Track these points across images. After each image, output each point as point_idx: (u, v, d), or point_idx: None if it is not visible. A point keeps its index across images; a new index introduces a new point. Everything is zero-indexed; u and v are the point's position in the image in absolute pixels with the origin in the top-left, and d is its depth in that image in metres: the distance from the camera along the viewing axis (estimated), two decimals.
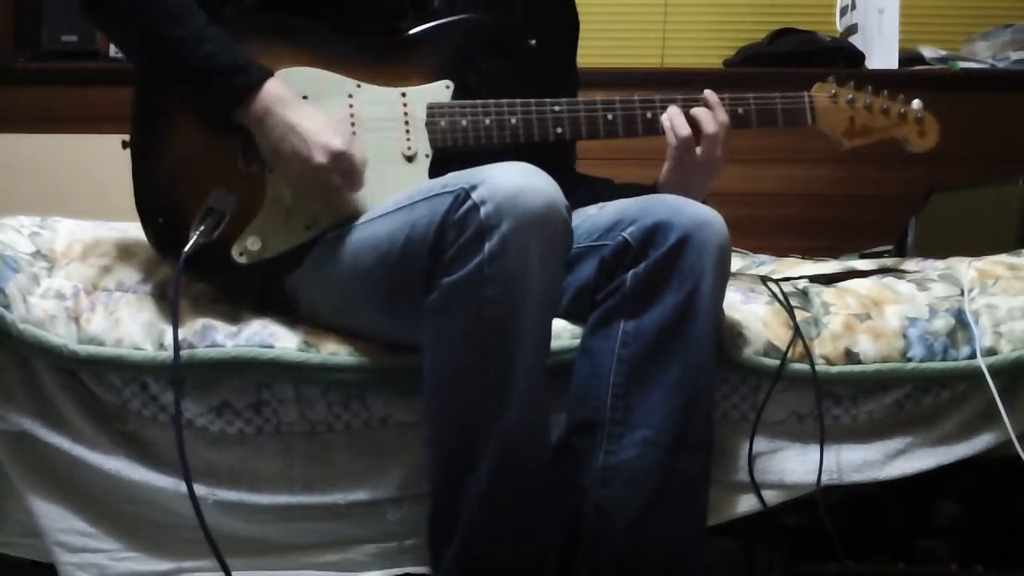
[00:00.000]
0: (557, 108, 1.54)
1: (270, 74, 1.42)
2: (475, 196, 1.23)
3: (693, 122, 1.53)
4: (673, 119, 1.53)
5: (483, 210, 1.22)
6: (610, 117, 1.55)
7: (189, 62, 1.40)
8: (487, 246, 1.21)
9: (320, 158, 1.40)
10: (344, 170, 1.42)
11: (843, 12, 3.20)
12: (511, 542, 1.27)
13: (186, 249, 1.38)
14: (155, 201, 1.46)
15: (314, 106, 1.45)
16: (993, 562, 1.66)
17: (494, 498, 1.25)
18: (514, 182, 1.23)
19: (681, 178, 1.54)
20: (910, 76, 2.94)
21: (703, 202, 1.54)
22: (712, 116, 1.53)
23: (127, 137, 1.47)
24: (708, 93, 1.55)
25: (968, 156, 2.76)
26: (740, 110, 1.57)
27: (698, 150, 1.52)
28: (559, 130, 1.54)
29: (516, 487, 1.26)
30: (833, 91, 1.61)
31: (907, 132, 1.63)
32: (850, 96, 1.61)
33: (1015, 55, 3.00)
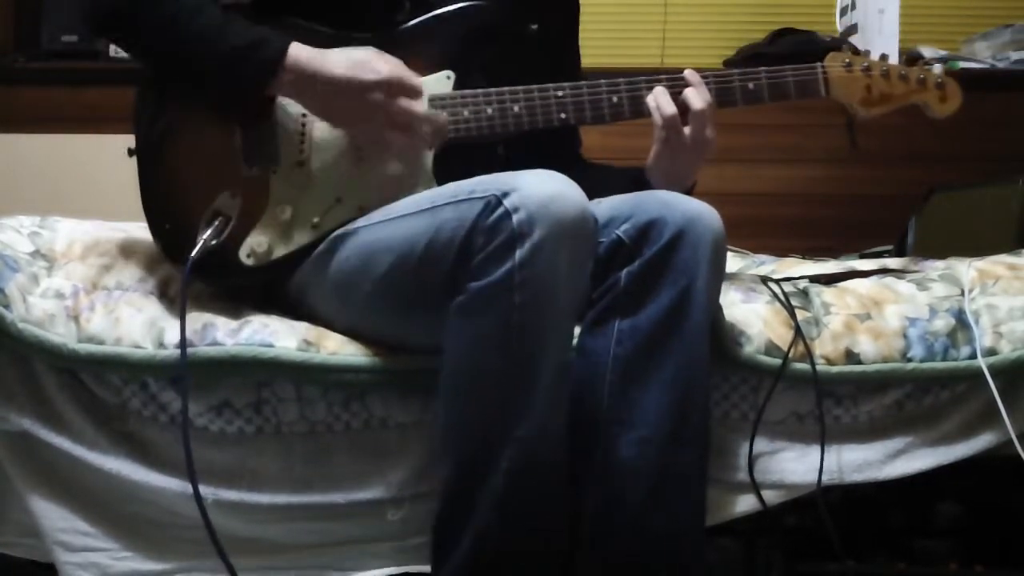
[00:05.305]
0: (560, 93, 1.52)
1: (289, 40, 1.42)
2: (507, 203, 1.23)
3: (679, 101, 1.50)
4: (659, 98, 1.50)
5: (515, 217, 1.22)
6: (615, 99, 1.52)
7: (214, 49, 1.40)
8: (518, 253, 1.21)
9: (374, 89, 1.41)
10: (400, 89, 1.42)
11: (843, 12, 3.19)
12: (522, 546, 1.27)
13: (193, 254, 1.38)
14: (162, 208, 1.47)
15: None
16: (993, 562, 1.66)
17: (509, 503, 1.24)
18: (547, 191, 1.23)
19: (669, 161, 1.51)
20: None
21: (692, 185, 1.54)
22: (697, 93, 1.50)
23: (132, 145, 1.48)
24: (689, 73, 1.52)
25: (968, 156, 2.77)
26: (751, 85, 1.54)
27: (686, 130, 1.49)
28: (563, 115, 1.52)
29: (532, 491, 1.26)
30: (847, 60, 1.57)
31: (928, 97, 1.58)
32: (865, 64, 1.57)
33: (1015, 55, 3.00)
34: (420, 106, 1.45)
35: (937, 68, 1.59)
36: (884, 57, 1.58)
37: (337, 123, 1.47)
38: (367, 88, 1.42)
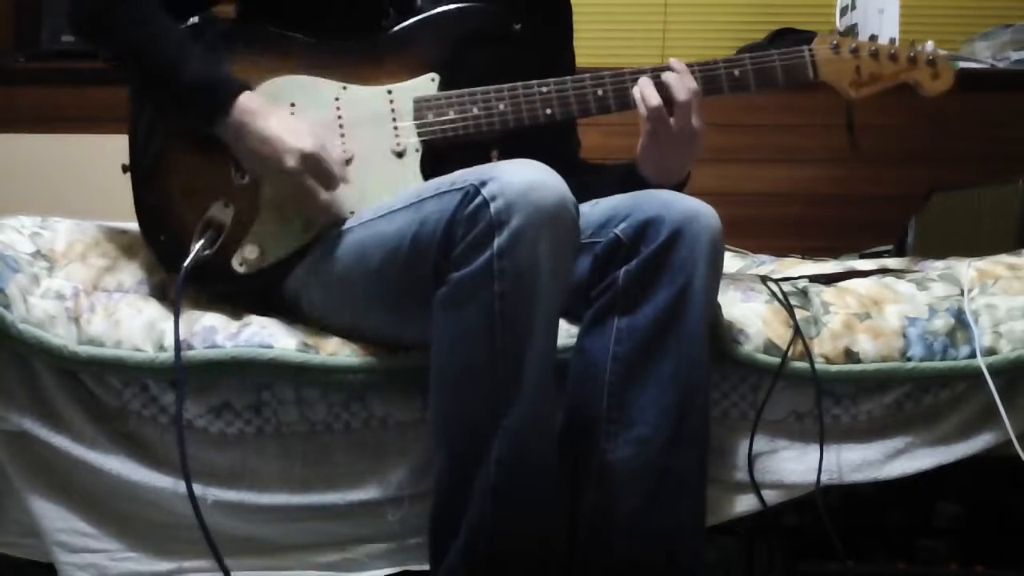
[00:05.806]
0: (545, 89, 1.52)
1: (243, 88, 1.44)
2: (485, 192, 1.23)
3: (664, 91, 1.48)
4: (644, 89, 1.49)
5: (493, 206, 1.22)
6: (600, 92, 1.52)
7: (169, 82, 1.43)
8: (497, 242, 1.21)
9: (290, 162, 1.41)
10: (315, 171, 1.43)
11: (843, 12, 3.19)
12: (518, 536, 1.27)
13: (186, 263, 1.40)
14: (156, 219, 1.49)
15: (303, 112, 1.47)
16: (993, 562, 1.66)
17: (503, 492, 1.24)
18: (524, 178, 1.23)
19: (657, 152, 1.50)
20: None
21: (686, 178, 1.53)
22: (683, 83, 1.48)
23: (127, 162, 1.50)
24: (674, 61, 1.51)
25: (968, 156, 2.76)
26: (736, 72, 1.52)
27: (672, 120, 1.47)
28: (548, 111, 1.52)
29: (525, 481, 1.26)
30: (835, 42, 1.56)
31: (919, 76, 1.56)
32: (853, 45, 1.56)
33: (1015, 55, 3.00)
34: (324, 194, 1.44)
35: (928, 46, 1.57)
36: (873, 38, 1.58)
37: (259, 171, 1.46)
38: (290, 153, 1.41)
